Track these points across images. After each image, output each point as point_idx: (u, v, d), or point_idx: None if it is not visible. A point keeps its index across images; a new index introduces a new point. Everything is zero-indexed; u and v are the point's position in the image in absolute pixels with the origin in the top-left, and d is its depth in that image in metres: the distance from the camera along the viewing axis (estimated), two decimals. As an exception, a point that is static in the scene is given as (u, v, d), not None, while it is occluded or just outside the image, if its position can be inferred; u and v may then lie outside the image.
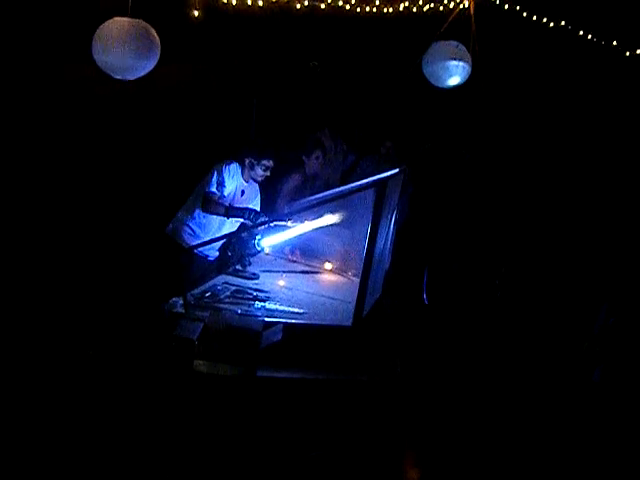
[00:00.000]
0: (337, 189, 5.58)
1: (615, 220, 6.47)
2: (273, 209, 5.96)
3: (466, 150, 8.12)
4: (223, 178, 5.44)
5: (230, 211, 5.39)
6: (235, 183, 5.57)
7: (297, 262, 5.77)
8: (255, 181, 5.71)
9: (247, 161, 5.57)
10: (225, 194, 5.46)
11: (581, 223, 6.50)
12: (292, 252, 5.86)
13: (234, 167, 5.55)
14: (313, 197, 5.52)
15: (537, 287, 6.54)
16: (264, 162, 5.54)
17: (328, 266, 5.65)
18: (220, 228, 5.56)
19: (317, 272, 5.64)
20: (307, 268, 5.64)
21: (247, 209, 5.42)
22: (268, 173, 5.61)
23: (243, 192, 5.67)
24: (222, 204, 5.39)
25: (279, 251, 5.83)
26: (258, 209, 5.66)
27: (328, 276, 5.61)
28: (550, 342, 5.87)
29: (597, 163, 7.86)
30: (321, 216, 5.22)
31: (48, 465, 3.84)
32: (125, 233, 6.66)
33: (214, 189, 5.41)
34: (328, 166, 6.99)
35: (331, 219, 5.19)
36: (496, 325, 6.14)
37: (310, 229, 5.26)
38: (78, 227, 6.68)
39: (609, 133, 8.00)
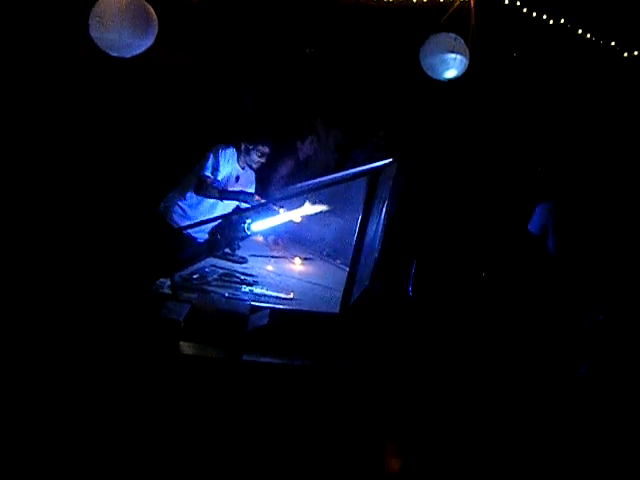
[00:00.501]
0: (329, 176, 5.57)
1: (606, 216, 6.46)
2: (267, 194, 5.94)
3: (461, 142, 8.12)
4: (218, 162, 5.43)
5: (224, 194, 5.40)
6: (230, 168, 5.56)
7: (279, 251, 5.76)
8: (251, 168, 5.71)
9: (243, 146, 5.56)
10: (219, 178, 5.44)
11: (571, 219, 6.48)
12: (275, 242, 5.84)
13: (230, 152, 5.53)
14: (305, 184, 5.51)
15: (525, 282, 6.54)
16: (259, 147, 5.53)
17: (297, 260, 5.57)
18: (211, 211, 5.55)
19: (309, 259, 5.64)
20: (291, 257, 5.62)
21: (241, 192, 5.44)
22: (263, 159, 5.60)
23: (238, 178, 5.67)
24: (216, 187, 5.38)
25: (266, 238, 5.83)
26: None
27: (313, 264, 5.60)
28: (538, 337, 5.88)
29: (590, 158, 7.87)
30: (302, 205, 5.21)
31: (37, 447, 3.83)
32: (118, 211, 6.62)
33: (209, 173, 5.39)
34: (322, 153, 6.99)
35: (313, 209, 5.17)
36: (483, 318, 6.15)
37: (298, 216, 5.24)
38: (71, 205, 6.66)
39: (605, 131, 8.01)
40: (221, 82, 7.77)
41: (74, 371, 4.37)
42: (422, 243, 7.22)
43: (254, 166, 5.66)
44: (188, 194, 5.52)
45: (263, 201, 5.36)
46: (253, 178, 5.83)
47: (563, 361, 5.42)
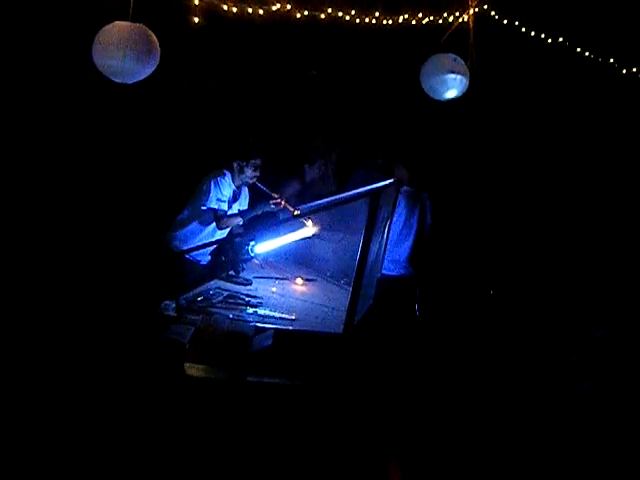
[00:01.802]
0: (331, 198, 5.61)
1: (607, 235, 6.49)
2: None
3: (460, 162, 8.16)
4: (220, 191, 5.52)
5: (244, 215, 5.62)
6: (229, 192, 5.63)
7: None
8: (247, 184, 5.79)
9: (235, 165, 5.63)
10: (224, 207, 5.55)
11: (574, 237, 6.52)
12: (265, 260, 5.88)
13: (227, 177, 5.61)
14: (307, 205, 5.54)
15: (529, 299, 6.56)
16: (252, 161, 5.60)
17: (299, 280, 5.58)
18: (212, 234, 5.61)
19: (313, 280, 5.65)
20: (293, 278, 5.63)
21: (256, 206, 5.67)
22: (258, 173, 5.66)
23: (236, 197, 5.76)
24: (234, 215, 5.58)
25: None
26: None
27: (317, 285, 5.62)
28: (540, 354, 5.88)
29: (592, 180, 7.89)
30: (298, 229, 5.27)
31: (42, 465, 3.85)
32: (122, 236, 6.67)
33: (215, 205, 5.50)
34: (325, 175, 7.03)
35: (308, 231, 5.23)
36: (489, 335, 6.16)
37: (301, 237, 5.29)
38: (75, 230, 6.70)
39: (605, 149, 8.05)
40: (224, 105, 7.83)
41: (81, 391, 4.40)
42: (430, 262, 7.24)
43: (250, 182, 5.71)
44: (192, 224, 5.61)
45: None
46: (247, 192, 5.92)
47: (566, 377, 5.42)
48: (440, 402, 5.10)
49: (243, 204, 5.85)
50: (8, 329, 5.11)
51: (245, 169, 5.60)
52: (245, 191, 5.88)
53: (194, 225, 5.59)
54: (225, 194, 5.56)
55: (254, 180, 5.68)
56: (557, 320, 6.02)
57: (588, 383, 5.18)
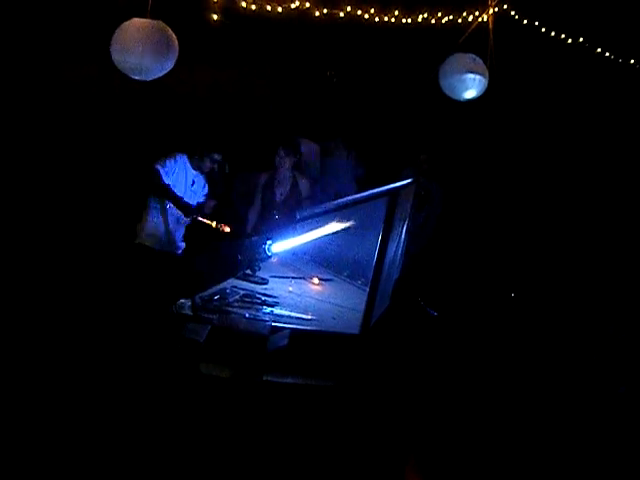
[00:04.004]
0: (350, 197, 5.57)
1: (626, 240, 6.44)
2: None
3: (481, 162, 8.12)
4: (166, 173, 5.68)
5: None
6: (183, 175, 5.81)
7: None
8: (201, 173, 5.94)
9: (198, 152, 5.82)
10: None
11: (593, 241, 6.47)
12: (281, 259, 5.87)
13: (176, 161, 5.76)
14: (325, 205, 5.51)
15: (548, 301, 6.51)
16: (213, 156, 5.82)
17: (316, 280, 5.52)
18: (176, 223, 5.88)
19: (329, 279, 5.62)
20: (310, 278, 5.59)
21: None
22: (215, 167, 5.89)
23: (193, 182, 5.91)
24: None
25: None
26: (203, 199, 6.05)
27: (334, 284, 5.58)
28: (561, 356, 5.83)
29: (613, 180, 7.83)
30: (327, 224, 5.21)
31: (53, 467, 3.84)
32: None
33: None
34: (341, 174, 7.01)
35: (337, 226, 5.17)
36: (511, 338, 6.10)
37: (321, 235, 5.24)
38: (86, 229, 6.71)
39: (626, 150, 7.98)
40: (242, 104, 7.82)
41: (96, 390, 4.39)
42: (451, 263, 7.20)
43: (205, 171, 5.91)
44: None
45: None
46: (204, 182, 6.05)
47: (596, 381, 5.37)
48: (459, 405, 5.05)
49: (198, 192, 6.02)
50: (20, 331, 5.12)
51: (205, 159, 5.81)
52: (202, 180, 6.05)
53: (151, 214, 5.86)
54: (177, 174, 5.75)
55: (208, 170, 5.93)
56: (576, 321, 5.97)
57: (624, 388, 5.13)
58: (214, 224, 5.58)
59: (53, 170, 6.97)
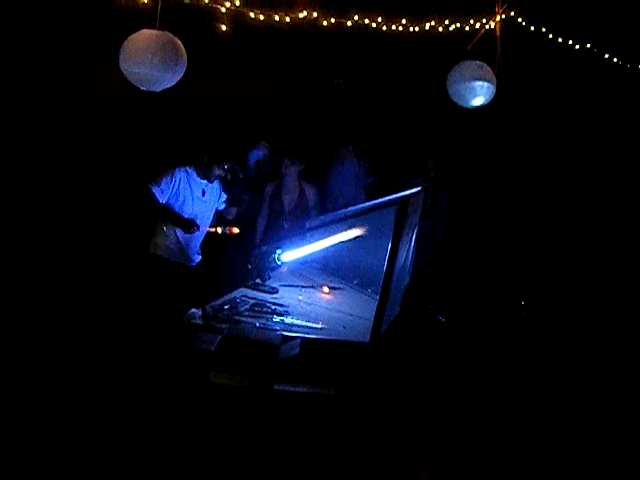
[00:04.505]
0: (359, 206, 5.57)
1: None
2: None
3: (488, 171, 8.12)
4: (170, 185, 5.59)
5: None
6: (187, 185, 5.67)
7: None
8: (208, 180, 5.78)
9: (205, 159, 5.69)
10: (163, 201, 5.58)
11: (603, 250, 6.46)
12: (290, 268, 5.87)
13: (180, 176, 5.65)
14: (335, 213, 5.52)
15: (560, 309, 6.49)
16: (222, 165, 5.68)
17: (326, 289, 5.48)
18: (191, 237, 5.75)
19: (339, 288, 5.61)
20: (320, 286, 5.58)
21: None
22: (223, 174, 5.75)
23: (204, 192, 5.77)
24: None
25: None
26: (222, 207, 5.96)
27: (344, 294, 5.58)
28: (574, 363, 5.81)
29: (623, 185, 7.81)
30: (336, 233, 5.21)
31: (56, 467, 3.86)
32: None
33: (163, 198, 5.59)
34: (351, 181, 7.03)
35: (352, 233, 5.17)
36: (521, 346, 6.09)
37: (330, 244, 5.24)
38: (100, 240, 6.74)
39: (636, 155, 7.97)
40: (250, 112, 7.84)
41: (107, 399, 4.40)
42: (460, 270, 7.19)
43: (212, 179, 5.75)
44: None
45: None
46: (219, 190, 5.93)
47: (607, 386, 5.35)
48: (470, 410, 5.04)
49: (213, 201, 5.91)
50: (32, 338, 5.15)
51: (213, 167, 5.67)
52: (217, 190, 5.92)
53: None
54: (175, 190, 5.62)
55: (216, 179, 5.79)
56: (589, 330, 5.95)
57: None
58: (219, 230, 5.58)
59: (68, 180, 7.00)
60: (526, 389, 5.47)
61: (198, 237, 5.81)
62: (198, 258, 5.94)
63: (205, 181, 5.75)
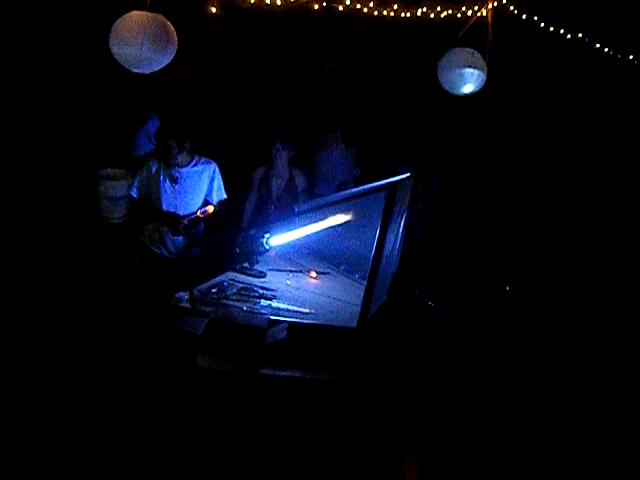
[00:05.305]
0: (348, 191, 5.57)
1: (624, 236, 6.44)
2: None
3: (478, 159, 8.13)
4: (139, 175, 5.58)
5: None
6: (159, 177, 5.56)
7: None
8: (169, 165, 5.56)
9: (165, 144, 5.52)
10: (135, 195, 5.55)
11: (589, 238, 6.48)
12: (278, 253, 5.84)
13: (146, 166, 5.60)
14: (324, 198, 5.51)
15: (544, 296, 6.51)
16: (170, 142, 5.46)
17: (313, 274, 5.50)
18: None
19: (327, 273, 5.61)
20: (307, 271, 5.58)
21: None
22: (172, 153, 5.47)
23: (176, 179, 5.58)
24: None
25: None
26: (216, 192, 5.76)
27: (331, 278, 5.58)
28: (556, 352, 5.84)
29: (609, 175, 7.83)
30: (325, 217, 5.20)
31: (48, 462, 3.85)
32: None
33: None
34: (340, 167, 7.01)
35: (341, 218, 5.17)
36: (505, 331, 6.11)
37: (319, 229, 5.24)
38: (86, 225, 6.72)
39: (623, 145, 7.99)
40: (240, 96, 7.82)
41: (92, 383, 4.39)
42: (449, 256, 7.20)
43: (172, 163, 5.50)
44: None
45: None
46: (198, 175, 5.68)
47: (586, 376, 5.38)
48: (455, 397, 5.06)
49: (204, 184, 5.73)
50: (16, 327, 5.13)
51: (171, 148, 5.46)
52: (194, 175, 5.66)
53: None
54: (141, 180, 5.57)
55: (174, 159, 5.50)
56: (573, 317, 5.97)
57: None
58: (199, 213, 5.53)
59: (54, 168, 6.96)
60: (511, 375, 5.50)
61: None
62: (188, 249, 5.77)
63: (177, 168, 5.55)
